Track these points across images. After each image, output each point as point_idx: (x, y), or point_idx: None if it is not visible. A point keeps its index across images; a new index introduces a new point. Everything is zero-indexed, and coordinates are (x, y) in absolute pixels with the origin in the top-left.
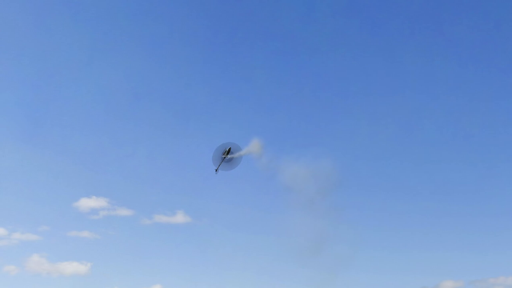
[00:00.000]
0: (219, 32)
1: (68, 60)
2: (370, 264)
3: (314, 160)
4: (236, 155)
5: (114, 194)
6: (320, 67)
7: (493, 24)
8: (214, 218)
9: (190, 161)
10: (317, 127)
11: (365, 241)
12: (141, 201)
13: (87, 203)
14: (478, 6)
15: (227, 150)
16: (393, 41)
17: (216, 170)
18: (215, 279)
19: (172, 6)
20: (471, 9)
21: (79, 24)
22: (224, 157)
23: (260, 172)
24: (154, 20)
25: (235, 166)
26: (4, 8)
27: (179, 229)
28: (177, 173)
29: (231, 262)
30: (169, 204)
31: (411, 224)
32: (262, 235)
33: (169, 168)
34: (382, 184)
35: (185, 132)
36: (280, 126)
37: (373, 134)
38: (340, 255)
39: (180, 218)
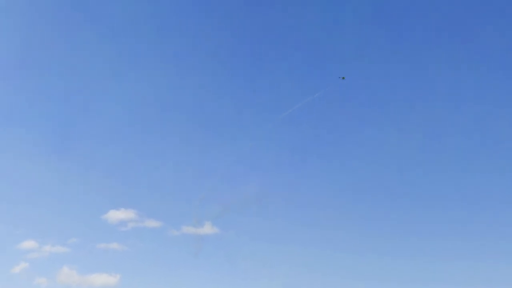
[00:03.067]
0: (244, 45)
1: (95, 73)
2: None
3: (339, 170)
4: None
5: (142, 206)
6: (343, 75)
7: None
8: (241, 230)
9: (217, 173)
10: (342, 135)
11: (386, 250)
12: (169, 212)
13: (115, 215)
14: (502, 15)
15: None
16: (418, 50)
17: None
18: None
19: (197, 20)
20: (495, 19)
21: (106, 38)
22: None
23: (286, 189)
24: (179, 33)
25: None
26: (33, 24)
27: (207, 240)
28: (205, 185)
29: (258, 273)
30: (197, 215)
31: (436, 232)
32: (288, 246)
33: (196, 179)
34: (408, 192)
35: (212, 143)
36: (304, 137)
37: (400, 143)
38: (368, 265)
39: (207, 229)
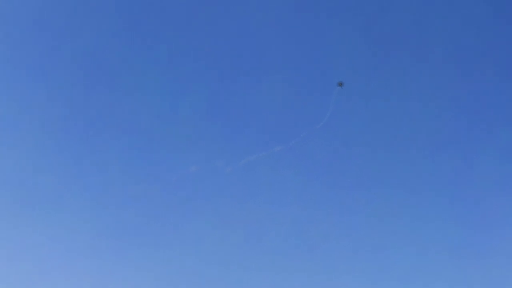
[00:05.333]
0: (74, 123)
1: None
2: None
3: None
4: None
5: None
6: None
7: (342, 142)
8: None
9: (30, 252)
10: (164, 226)
11: None
12: None
13: None
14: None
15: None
16: (240, 147)
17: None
18: None
19: (29, 88)
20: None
21: None
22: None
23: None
24: (7, 103)
25: None
26: None
27: None
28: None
29: None
30: None
31: None
32: None
33: (8, 255)
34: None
35: (29, 221)
36: (123, 217)
37: (223, 240)
38: None
39: None
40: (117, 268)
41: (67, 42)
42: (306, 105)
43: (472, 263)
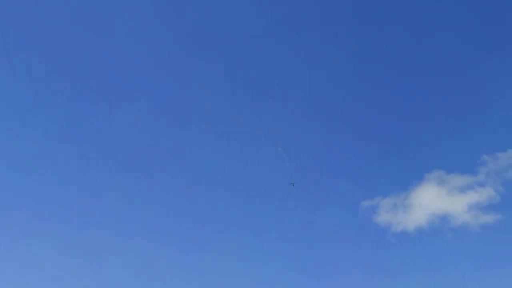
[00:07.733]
0: None
1: None
2: None
3: None
4: None
5: None
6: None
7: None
8: None
9: None
10: None
11: None
12: None
13: None
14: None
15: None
16: (92, 173)
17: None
18: None
19: None
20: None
21: None
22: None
23: None
24: None
25: None
26: None
27: None
28: None
29: None
30: None
31: None
32: None
33: None
34: None
35: None
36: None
37: (61, 265)
38: None
39: None
40: None
41: None
42: (163, 138)
43: None
